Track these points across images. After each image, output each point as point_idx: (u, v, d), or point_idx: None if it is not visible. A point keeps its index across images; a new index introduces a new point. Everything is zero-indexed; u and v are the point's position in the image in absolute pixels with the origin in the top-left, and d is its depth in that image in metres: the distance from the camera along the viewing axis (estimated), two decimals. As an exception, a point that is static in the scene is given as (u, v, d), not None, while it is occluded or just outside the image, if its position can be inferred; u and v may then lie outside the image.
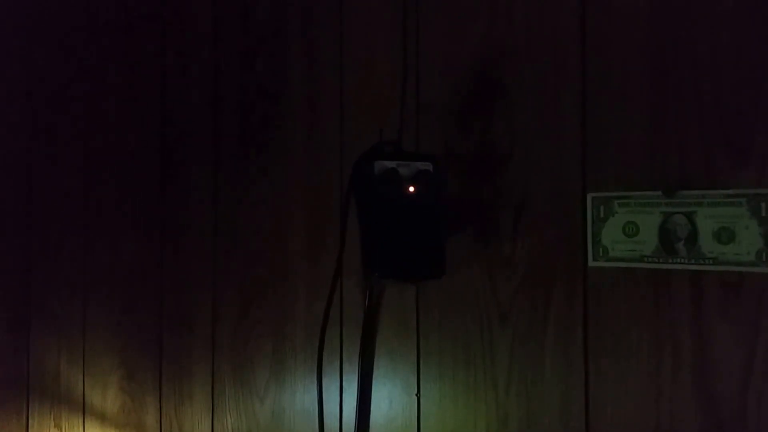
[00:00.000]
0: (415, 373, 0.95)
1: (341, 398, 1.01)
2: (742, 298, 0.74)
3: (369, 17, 1.01)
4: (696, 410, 0.76)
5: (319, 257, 1.04)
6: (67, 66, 1.41)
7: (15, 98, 1.50)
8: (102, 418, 1.31)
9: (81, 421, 1.35)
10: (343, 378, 1.01)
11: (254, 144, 1.12)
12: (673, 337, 0.78)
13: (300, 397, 1.06)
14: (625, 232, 0.81)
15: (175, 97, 1.24)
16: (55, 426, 1.40)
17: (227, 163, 1.15)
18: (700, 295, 0.76)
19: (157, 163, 1.25)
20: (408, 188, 0.83)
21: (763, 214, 0.73)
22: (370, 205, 0.84)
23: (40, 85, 1.47)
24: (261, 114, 1.12)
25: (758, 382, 0.73)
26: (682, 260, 0.77)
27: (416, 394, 0.95)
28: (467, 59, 0.92)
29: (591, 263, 0.83)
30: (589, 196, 0.83)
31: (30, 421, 1.45)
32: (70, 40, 1.41)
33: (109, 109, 1.34)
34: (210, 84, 1.18)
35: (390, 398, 0.96)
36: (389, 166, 0.83)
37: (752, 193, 0.73)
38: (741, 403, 0.74)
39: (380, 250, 0.84)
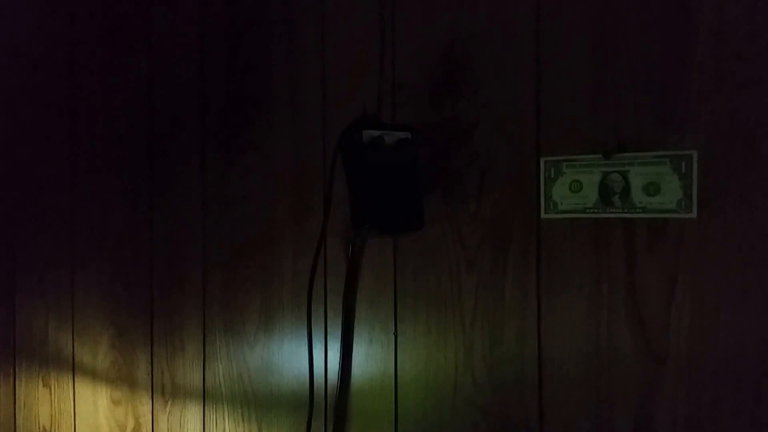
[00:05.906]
0: (393, 315, 1.08)
1: (326, 341, 1.13)
2: (665, 239, 0.90)
3: (348, 3, 1.11)
4: (629, 331, 0.92)
5: (304, 220, 1.15)
6: (53, 40, 1.45)
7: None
8: (92, 374, 1.37)
9: (71, 378, 1.41)
10: (328, 323, 1.13)
11: (241, 118, 1.21)
12: (610, 272, 0.93)
13: (288, 341, 1.16)
14: (571, 189, 0.96)
15: (163, 70, 1.30)
16: (44, 386, 1.45)
17: (214, 135, 1.24)
18: (632, 238, 0.92)
19: (145, 131, 1.32)
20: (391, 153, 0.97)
21: (683, 171, 0.89)
22: (359, 168, 0.98)
23: (24, 54, 1.50)
24: (247, 90, 1.20)
25: (678, 305, 0.89)
26: (618, 210, 0.93)
27: (393, 333, 1.08)
28: (438, 43, 1.04)
29: (543, 216, 0.98)
30: (542, 160, 0.98)
31: (17, 382, 1.49)
32: (56, 17, 1.45)
33: (96, 82, 1.39)
34: (197, 60, 1.26)
35: (370, 338, 1.09)
36: (376, 135, 0.97)
37: (674, 154, 0.90)
38: (665, 322, 0.90)
39: (370, 206, 0.97)
